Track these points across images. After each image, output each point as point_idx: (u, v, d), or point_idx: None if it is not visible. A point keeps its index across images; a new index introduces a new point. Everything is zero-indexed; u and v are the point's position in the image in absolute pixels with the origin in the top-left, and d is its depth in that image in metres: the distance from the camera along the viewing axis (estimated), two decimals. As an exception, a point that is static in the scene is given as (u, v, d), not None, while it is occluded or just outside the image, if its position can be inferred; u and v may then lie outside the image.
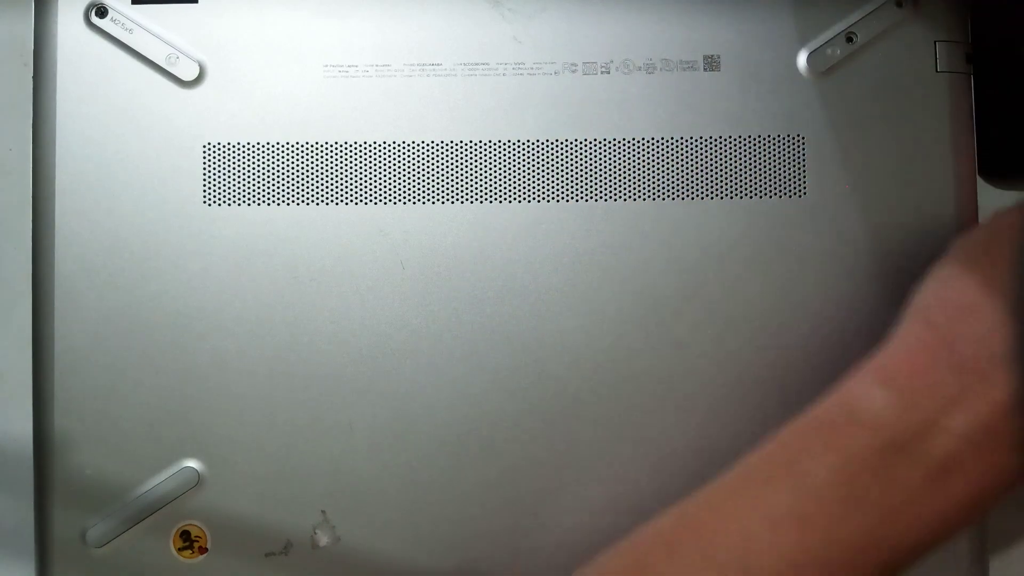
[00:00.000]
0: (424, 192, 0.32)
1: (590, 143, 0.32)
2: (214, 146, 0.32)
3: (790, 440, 0.25)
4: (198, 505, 0.31)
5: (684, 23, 0.32)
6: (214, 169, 0.32)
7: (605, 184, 0.32)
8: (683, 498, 0.26)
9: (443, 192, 0.32)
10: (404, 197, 0.32)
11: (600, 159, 0.32)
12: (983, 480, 0.22)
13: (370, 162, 0.32)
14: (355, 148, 0.32)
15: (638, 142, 0.32)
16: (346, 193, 0.32)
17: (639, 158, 0.32)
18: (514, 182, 0.32)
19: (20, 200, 0.31)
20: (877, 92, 0.32)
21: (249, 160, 0.32)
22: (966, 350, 0.22)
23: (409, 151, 0.32)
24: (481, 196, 0.32)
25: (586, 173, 0.32)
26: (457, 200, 0.32)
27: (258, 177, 0.32)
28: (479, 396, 0.32)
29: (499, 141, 0.32)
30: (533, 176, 0.32)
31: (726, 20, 0.32)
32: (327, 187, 0.32)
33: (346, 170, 0.32)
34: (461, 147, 0.32)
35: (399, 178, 0.32)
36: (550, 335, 0.32)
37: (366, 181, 0.32)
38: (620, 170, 0.32)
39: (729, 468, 0.27)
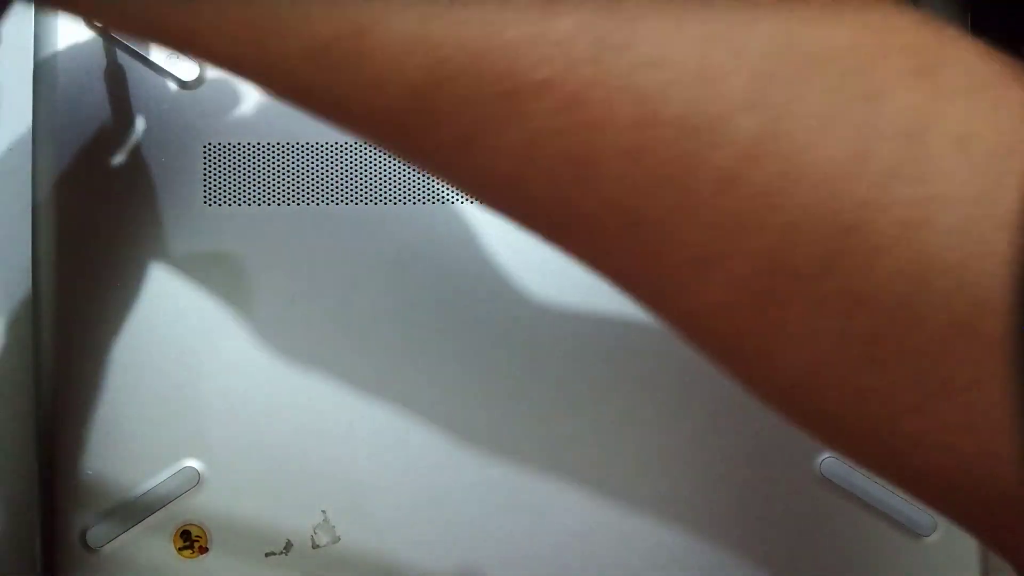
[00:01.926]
0: (424, 192, 0.32)
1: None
2: (214, 146, 0.32)
3: None
4: (198, 505, 0.31)
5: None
6: (214, 169, 0.32)
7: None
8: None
9: (443, 192, 0.32)
10: (404, 197, 0.32)
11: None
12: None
13: (370, 162, 0.32)
14: (355, 148, 0.32)
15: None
16: (346, 193, 0.32)
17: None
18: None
19: (20, 200, 0.31)
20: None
21: (249, 160, 0.32)
22: None
23: (409, 151, 0.32)
24: (481, 196, 0.32)
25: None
26: (457, 200, 0.32)
27: (258, 177, 0.32)
28: (479, 396, 0.32)
29: (499, 141, 0.32)
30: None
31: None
32: (327, 187, 0.32)
33: (346, 170, 0.32)
34: (461, 147, 0.32)
35: (399, 178, 0.32)
36: (550, 335, 0.32)
37: (366, 181, 0.32)
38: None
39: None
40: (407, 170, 0.32)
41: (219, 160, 0.32)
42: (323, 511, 0.31)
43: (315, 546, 0.31)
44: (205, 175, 0.32)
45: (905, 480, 0.16)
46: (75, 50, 0.32)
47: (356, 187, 0.32)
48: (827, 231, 0.13)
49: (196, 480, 0.31)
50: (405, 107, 0.14)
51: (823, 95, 0.13)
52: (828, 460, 0.32)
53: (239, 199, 0.32)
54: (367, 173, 0.32)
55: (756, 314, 0.14)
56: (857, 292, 0.13)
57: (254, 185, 0.32)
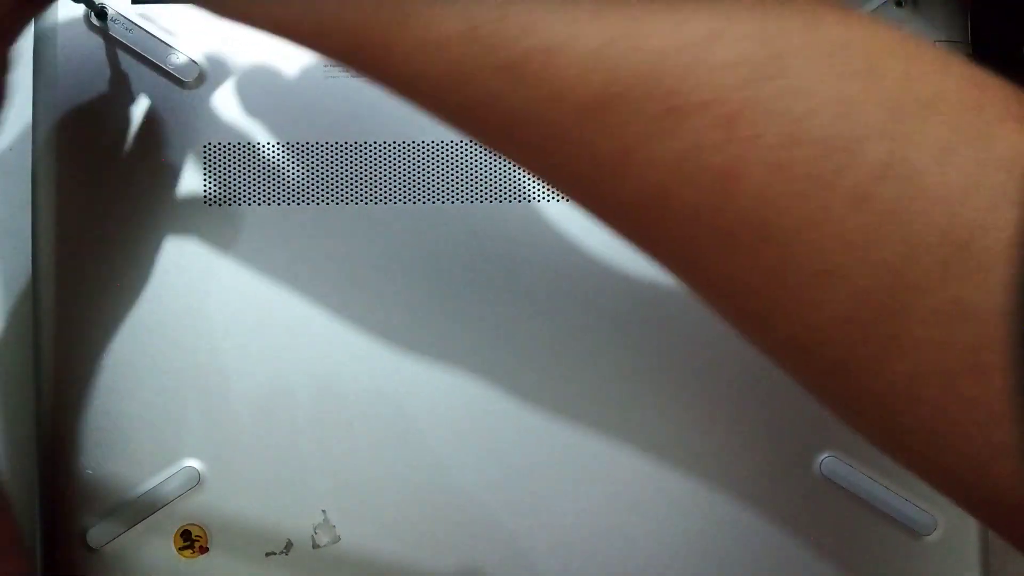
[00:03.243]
0: (424, 192, 0.32)
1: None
2: (214, 146, 0.32)
3: None
4: (198, 505, 0.31)
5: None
6: (214, 169, 0.32)
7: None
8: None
9: (443, 192, 0.32)
10: (404, 197, 0.32)
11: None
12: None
13: (370, 162, 0.32)
14: (355, 148, 0.32)
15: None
16: (346, 193, 0.32)
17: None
18: (514, 182, 0.32)
19: (20, 200, 0.31)
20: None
21: (249, 160, 0.32)
22: None
23: (409, 151, 0.32)
24: (481, 196, 0.32)
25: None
26: (457, 200, 0.32)
27: (258, 177, 0.32)
28: (479, 396, 0.32)
29: (499, 141, 0.32)
30: (533, 176, 0.32)
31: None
32: (327, 187, 0.32)
33: (346, 170, 0.32)
34: (461, 147, 0.32)
35: (399, 178, 0.32)
36: (550, 335, 0.32)
37: (366, 181, 0.32)
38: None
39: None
40: (406, 170, 0.32)
41: (219, 160, 0.32)
42: (323, 511, 0.31)
43: (315, 546, 0.31)
44: (205, 175, 0.32)
45: (968, 490, 0.17)
46: (75, 50, 0.32)
47: (356, 187, 0.32)
48: (943, 245, 0.15)
49: (196, 480, 0.31)
50: (578, 119, 0.16)
51: (941, 129, 0.15)
52: (828, 460, 0.32)
53: (239, 199, 0.32)
54: (367, 173, 0.32)
55: (871, 327, 0.16)
56: (966, 303, 0.15)
57: (254, 185, 0.32)
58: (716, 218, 0.16)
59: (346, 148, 0.32)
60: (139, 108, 0.32)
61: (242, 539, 0.31)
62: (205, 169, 0.32)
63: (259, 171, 0.32)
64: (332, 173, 0.32)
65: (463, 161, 0.32)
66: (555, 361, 0.32)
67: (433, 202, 0.32)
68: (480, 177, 0.32)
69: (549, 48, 0.15)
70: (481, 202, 0.32)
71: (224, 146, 0.32)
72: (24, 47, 0.32)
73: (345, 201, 0.32)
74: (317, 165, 0.32)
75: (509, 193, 0.32)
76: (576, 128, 0.16)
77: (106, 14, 0.32)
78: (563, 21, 0.15)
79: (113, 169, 0.32)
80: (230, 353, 0.31)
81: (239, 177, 0.32)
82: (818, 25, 0.16)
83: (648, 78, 0.15)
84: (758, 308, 0.17)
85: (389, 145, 0.32)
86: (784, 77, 0.15)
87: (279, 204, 0.32)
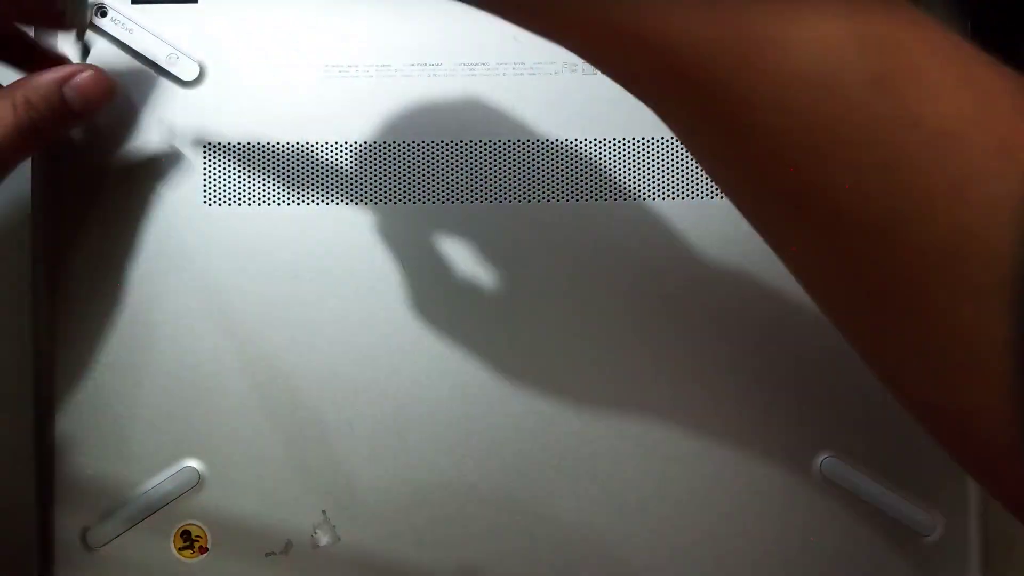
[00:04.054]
0: (424, 192, 0.32)
1: (590, 143, 0.32)
2: (214, 146, 0.32)
3: None
4: (198, 505, 0.31)
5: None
6: (214, 169, 0.32)
7: (606, 184, 0.32)
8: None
9: (443, 192, 0.32)
10: (404, 197, 0.32)
11: (601, 159, 0.32)
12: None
13: (370, 162, 0.32)
14: (355, 148, 0.32)
15: (638, 141, 0.32)
16: (346, 193, 0.32)
17: (639, 157, 0.32)
18: (514, 182, 0.32)
19: (20, 200, 0.31)
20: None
21: (249, 160, 0.32)
22: None
23: (409, 151, 0.32)
24: (481, 196, 0.32)
25: (587, 173, 0.32)
26: (457, 200, 0.32)
27: (258, 177, 0.32)
28: (479, 396, 0.32)
29: (499, 141, 0.32)
30: (533, 176, 0.32)
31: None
32: (327, 187, 0.32)
33: (346, 170, 0.32)
34: (461, 147, 0.32)
35: (399, 178, 0.32)
36: (550, 334, 0.32)
37: (366, 180, 0.32)
38: (620, 170, 0.32)
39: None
40: (406, 170, 0.32)
41: (219, 160, 0.32)
42: (323, 511, 0.31)
43: (315, 546, 0.31)
44: (205, 175, 0.32)
45: None
46: (75, 50, 0.32)
47: (356, 186, 0.32)
48: None
49: (196, 480, 0.31)
50: (931, 142, 0.16)
51: None
52: (828, 460, 0.32)
53: (239, 199, 0.32)
54: (367, 172, 0.32)
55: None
56: None
57: (254, 185, 0.32)
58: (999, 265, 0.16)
59: (346, 148, 0.32)
60: (139, 108, 0.32)
61: (242, 539, 0.31)
62: (205, 169, 0.32)
63: (259, 171, 0.32)
64: (332, 173, 0.32)
65: (464, 161, 0.32)
66: (555, 362, 0.32)
67: (433, 202, 0.32)
68: (481, 177, 0.32)
69: (914, 67, 0.16)
70: (482, 202, 0.32)
71: (224, 146, 0.32)
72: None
73: (346, 201, 0.32)
74: (317, 165, 0.32)
75: (509, 193, 0.32)
76: (926, 152, 0.16)
77: (106, 13, 0.32)
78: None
79: (113, 169, 0.32)
80: (230, 353, 0.31)
81: (239, 177, 0.32)
82: (1008, 74, 0.18)
83: (988, 112, 0.16)
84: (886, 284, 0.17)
85: (389, 145, 0.32)
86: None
87: (279, 204, 0.32)
